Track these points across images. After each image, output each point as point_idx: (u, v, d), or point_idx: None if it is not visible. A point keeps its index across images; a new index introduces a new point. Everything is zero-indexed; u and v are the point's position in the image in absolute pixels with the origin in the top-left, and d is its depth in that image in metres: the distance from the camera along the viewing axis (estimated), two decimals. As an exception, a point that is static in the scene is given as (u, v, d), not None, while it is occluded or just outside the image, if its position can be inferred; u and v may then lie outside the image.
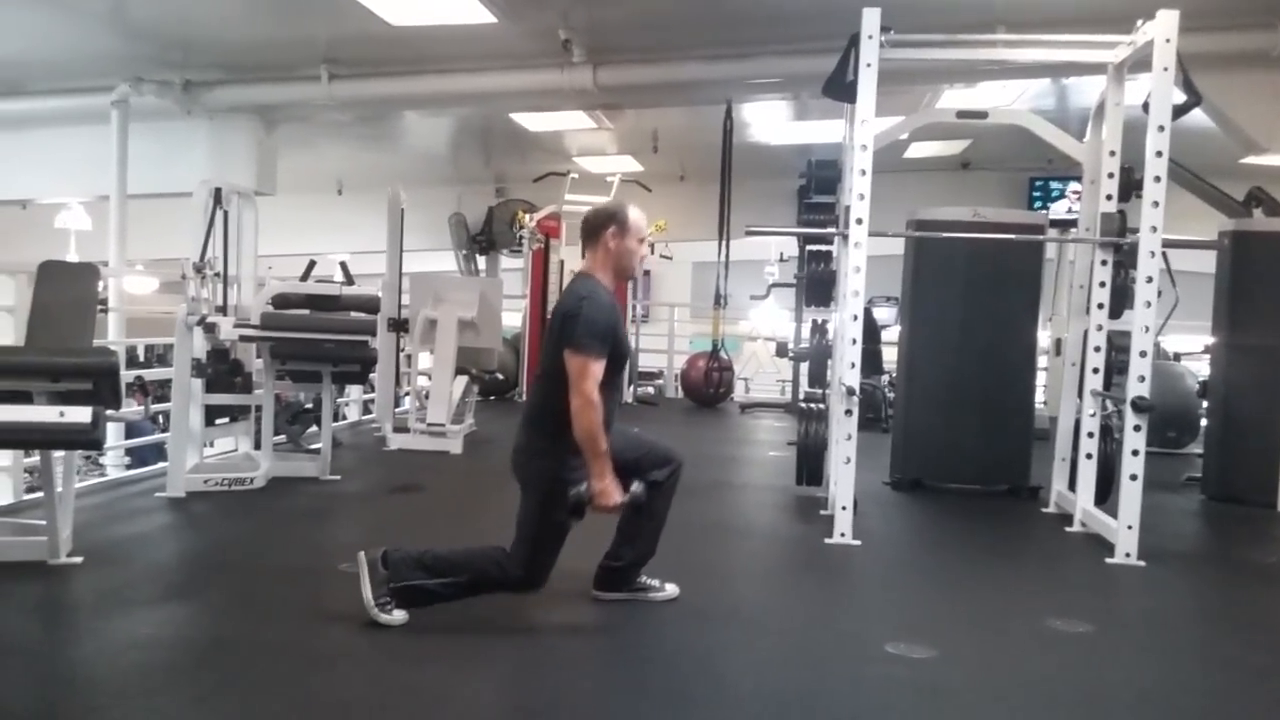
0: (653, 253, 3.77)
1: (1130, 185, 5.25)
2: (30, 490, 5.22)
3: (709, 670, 3.26)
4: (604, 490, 3.41)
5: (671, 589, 3.87)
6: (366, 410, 9.25)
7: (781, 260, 13.44)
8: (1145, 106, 4.77)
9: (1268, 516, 6.08)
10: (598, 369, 3.42)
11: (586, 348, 3.40)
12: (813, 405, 5.96)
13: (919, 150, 11.84)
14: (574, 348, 3.41)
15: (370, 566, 3.45)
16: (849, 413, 4.93)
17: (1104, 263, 5.37)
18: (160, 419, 8.52)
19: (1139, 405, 4.70)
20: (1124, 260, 5.31)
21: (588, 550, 3.82)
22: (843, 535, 4.88)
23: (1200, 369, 8.19)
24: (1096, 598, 4.35)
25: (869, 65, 4.85)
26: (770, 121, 10.97)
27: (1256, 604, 4.49)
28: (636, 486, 3.52)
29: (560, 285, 11.21)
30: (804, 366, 8.08)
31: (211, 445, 6.57)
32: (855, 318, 4.97)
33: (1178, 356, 8.86)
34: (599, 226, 3.64)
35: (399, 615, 3.44)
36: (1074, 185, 12.29)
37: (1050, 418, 7.08)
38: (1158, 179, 4.69)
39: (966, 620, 3.92)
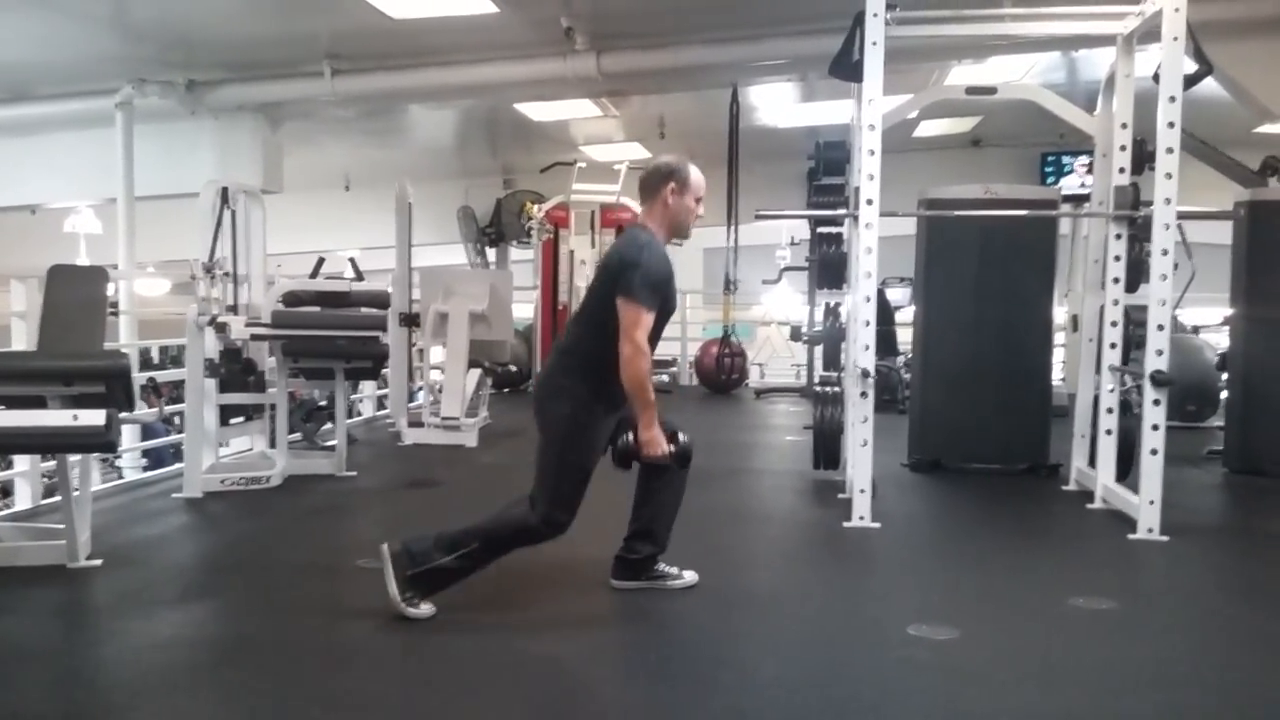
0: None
1: (1143, 157, 5.19)
2: (48, 494, 5.23)
3: (729, 656, 3.25)
4: (652, 439, 3.41)
5: (690, 576, 3.85)
6: (380, 406, 9.26)
7: (793, 244, 13.37)
8: (1156, 77, 4.71)
9: (1290, 488, 6.03)
10: (649, 320, 3.42)
11: (642, 298, 3.39)
12: (828, 389, 5.91)
13: (928, 129, 11.78)
14: (629, 297, 3.39)
15: (394, 560, 3.42)
16: (865, 395, 4.90)
17: (1118, 237, 5.31)
18: (177, 419, 8.54)
19: (1158, 379, 4.65)
20: (1139, 234, 5.25)
21: (604, 539, 3.81)
22: (861, 518, 4.86)
23: (1219, 341, 8.12)
24: (1119, 574, 4.32)
25: (875, 43, 4.80)
26: (777, 104, 10.92)
27: (1282, 577, 4.45)
28: (683, 436, 3.51)
29: (570, 275, 11.21)
30: (818, 350, 8.04)
31: (227, 445, 6.58)
32: (868, 299, 4.92)
33: (1196, 329, 8.79)
34: (659, 182, 3.60)
35: (425, 608, 3.43)
36: (1082, 159, 12.20)
37: (1068, 394, 7.04)
38: (1170, 150, 4.64)
39: (988, 601, 3.89)
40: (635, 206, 9.48)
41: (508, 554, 3.52)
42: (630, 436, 3.42)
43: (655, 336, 3.52)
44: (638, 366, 3.37)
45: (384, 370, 6.89)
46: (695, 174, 3.64)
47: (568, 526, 3.50)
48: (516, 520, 3.49)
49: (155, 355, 14.27)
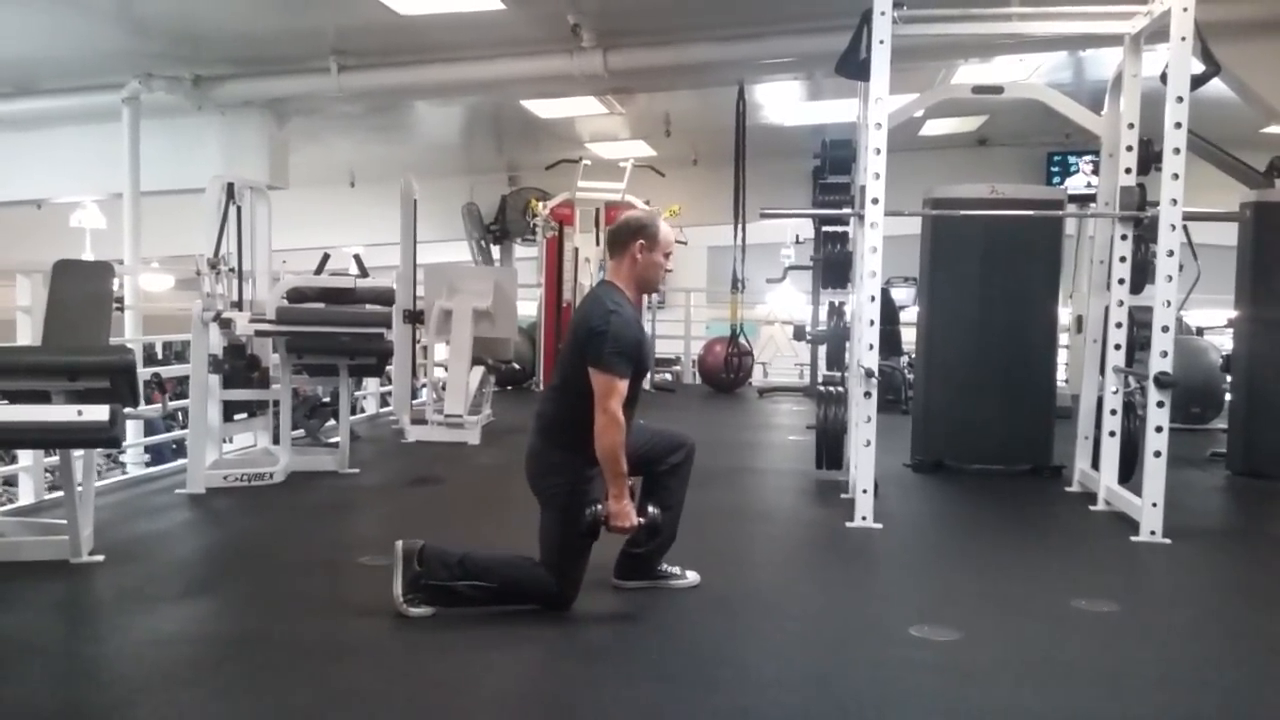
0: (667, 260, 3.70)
1: (1149, 158, 5.18)
2: (51, 489, 5.24)
3: (731, 656, 3.24)
4: (621, 511, 3.38)
5: (692, 576, 3.85)
6: (384, 403, 9.26)
7: (797, 242, 13.37)
8: (1163, 77, 4.70)
9: (1294, 491, 6.02)
10: (623, 387, 3.38)
11: (613, 366, 3.35)
12: (831, 388, 5.92)
13: (934, 128, 11.75)
14: (600, 366, 3.35)
15: (405, 560, 3.42)
16: (868, 395, 4.89)
17: (1124, 237, 5.30)
18: (180, 416, 8.55)
19: (1162, 381, 4.64)
20: (1144, 234, 5.24)
21: (607, 539, 3.80)
22: (864, 518, 4.85)
23: (1223, 343, 8.10)
24: (1122, 577, 4.31)
25: (882, 42, 4.79)
26: (783, 102, 10.90)
27: (1285, 579, 4.44)
28: (652, 509, 3.50)
29: (575, 272, 11.22)
30: (822, 349, 8.03)
31: (230, 441, 6.58)
32: (873, 299, 4.92)
33: (1200, 331, 8.77)
34: (628, 237, 3.57)
35: (425, 609, 3.43)
36: (1087, 159, 12.17)
37: (1072, 395, 7.02)
38: (1177, 151, 4.62)
39: (990, 602, 3.88)
40: (640, 204, 9.51)
41: (516, 605, 3.52)
42: (599, 508, 3.40)
43: (631, 398, 3.48)
44: (611, 437, 3.33)
45: (388, 367, 6.88)
46: (665, 230, 3.61)
47: (571, 604, 3.51)
48: (542, 582, 3.49)
49: (159, 351, 14.30)
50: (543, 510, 3.54)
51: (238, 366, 5.90)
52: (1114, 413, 5.31)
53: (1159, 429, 4.67)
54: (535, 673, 3.11)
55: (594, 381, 3.36)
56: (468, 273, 9.19)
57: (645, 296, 4.27)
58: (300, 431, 6.79)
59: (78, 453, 4.07)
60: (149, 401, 5.07)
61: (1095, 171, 11.54)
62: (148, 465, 7.35)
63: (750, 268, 10.86)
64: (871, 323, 4.91)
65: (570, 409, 3.45)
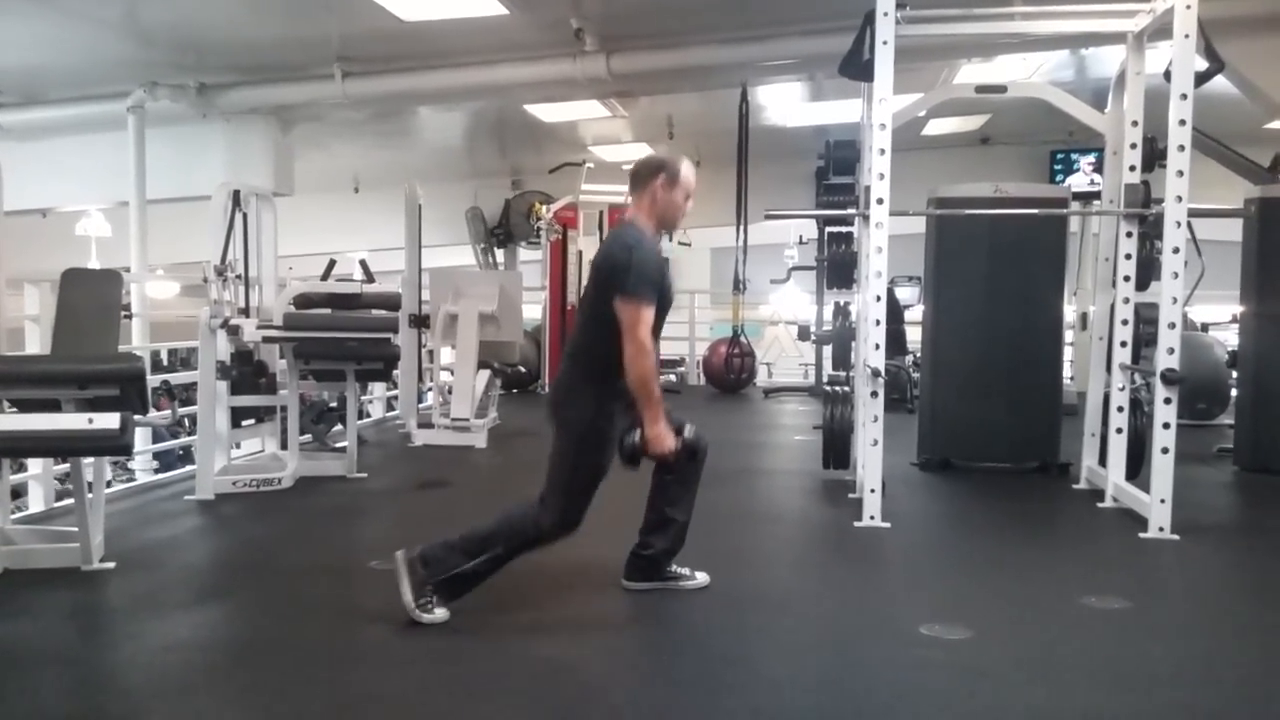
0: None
1: (1154, 155, 5.18)
2: (61, 497, 5.26)
3: (743, 657, 3.25)
4: (658, 436, 3.44)
5: (702, 577, 3.86)
6: (390, 407, 9.28)
7: (801, 243, 13.38)
8: (1167, 75, 4.70)
9: (1303, 486, 6.02)
10: (649, 315, 3.43)
11: (639, 295, 3.41)
12: (837, 388, 5.92)
13: (937, 127, 11.75)
14: (626, 295, 3.41)
15: (409, 567, 3.42)
16: (875, 394, 4.90)
17: (1129, 235, 5.30)
18: (187, 423, 8.57)
19: (1169, 378, 4.65)
20: (1149, 231, 5.24)
21: (616, 540, 3.82)
22: (872, 518, 4.86)
23: (1229, 339, 8.10)
24: (1131, 573, 4.31)
25: (885, 43, 4.80)
26: (786, 103, 10.90)
27: (1294, 575, 4.44)
28: (689, 430, 3.52)
29: (580, 276, 11.23)
30: (827, 349, 8.04)
31: (238, 447, 6.60)
32: (878, 298, 4.93)
33: (1205, 327, 8.76)
34: (649, 175, 3.64)
35: (440, 613, 3.42)
36: (1089, 157, 12.16)
37: (1078, 393, 7.02)
38: (1181, 148, 4.63)
39: (1000, 600, 3.89)
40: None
41: (521, 556, 3.54)
42: (637, 435, 3.44)
43: (656, 331, 3.53)
44: (642, 365, 3.39)
45: (394, 371, 6.90)
46: (686, 170, 3.67)
47: (578, 527, 3.52)
48: (530, 523, 3.51)
49: (164, 358, 14.32)
50: (557, 437, 3.55)
51: (245, 373, 5.91)
52: (1121, 410, 5.31)
53: (1166, 425, 4.68)
54: (546, 676, 3.12)
55: (621, 313, 3.40)
56: (473, 277, 9.21)
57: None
58: (308, 437, 6.81)
59: (88, 460, 4.09)
60: (157, 408, 5.10)
61: (1096, 169, 11.57)
62: (156, 472, 7.37)
63: (754, 269, 10.87)
64: (877, 322, 4.92)
65: (597, 341, 3.48)
